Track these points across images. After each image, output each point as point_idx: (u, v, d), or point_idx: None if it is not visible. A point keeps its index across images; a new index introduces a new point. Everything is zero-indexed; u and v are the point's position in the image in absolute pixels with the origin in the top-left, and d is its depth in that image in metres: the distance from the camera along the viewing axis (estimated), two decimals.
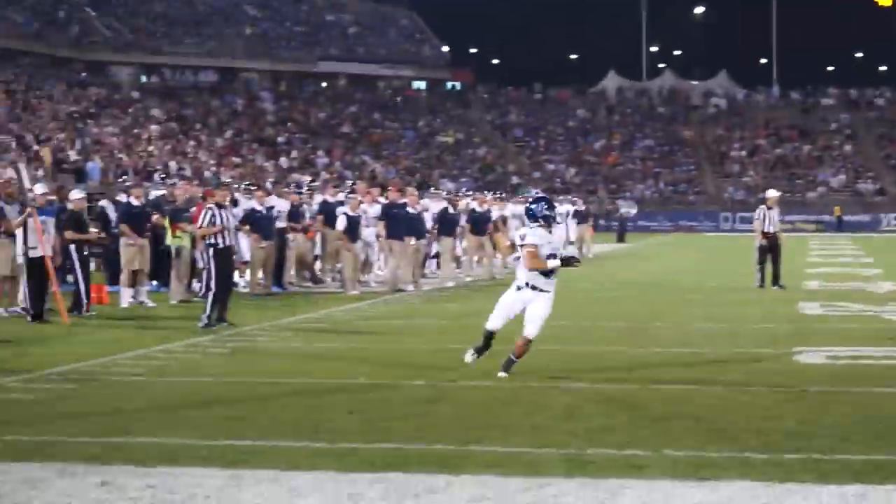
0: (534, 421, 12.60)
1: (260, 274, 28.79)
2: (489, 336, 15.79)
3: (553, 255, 15.50)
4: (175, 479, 10.01)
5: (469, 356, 15.88)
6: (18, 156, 49.51)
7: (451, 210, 33.82)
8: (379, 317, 24.00)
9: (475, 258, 36.29)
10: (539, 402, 13.73)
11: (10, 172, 27.20)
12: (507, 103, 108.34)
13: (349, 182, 46.45)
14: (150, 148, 68.70)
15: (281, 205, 30.60)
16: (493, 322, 15.78)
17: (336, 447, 11.28)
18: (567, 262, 15.87)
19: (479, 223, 34.62)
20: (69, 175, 54.62)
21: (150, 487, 9.71)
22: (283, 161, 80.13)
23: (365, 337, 20.16)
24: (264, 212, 28.68)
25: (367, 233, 31.13)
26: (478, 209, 35.69)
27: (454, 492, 9.59)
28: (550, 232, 15.79)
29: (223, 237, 21.89)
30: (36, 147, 58.68)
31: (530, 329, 15.42)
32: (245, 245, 28.46)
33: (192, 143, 75.53)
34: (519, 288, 15.67)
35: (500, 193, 49.21)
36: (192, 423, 12.52)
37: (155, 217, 27.24)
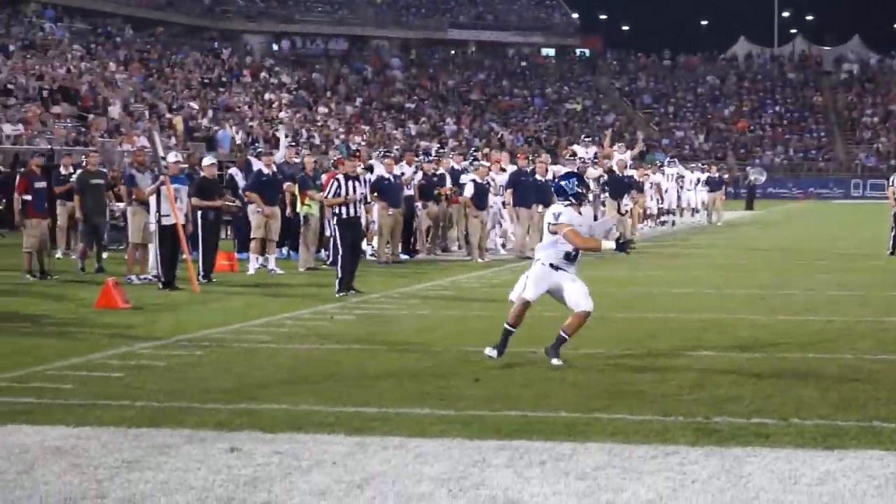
0: (661, 390, 12.50)
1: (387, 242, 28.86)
2: (524, 309, 14.37)
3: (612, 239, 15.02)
4: (301, 445, 10.05)
5: (490, 351, 14.28)
6: (152, 124, 50.08)
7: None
8: (505, 284, 23.91)
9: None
10: (666, 371, 13.63)
11: (144, 141, 27.53)
12: (636, 70, 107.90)
13: (473, 150, 46.20)
14: (281, 115, 69.13)
15: (408, 172, 30.63)
16: (530, 292, 14.36)
17: (462, 414, 11.27)
18: (622, 247, 14.85)
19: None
20: (200, 143, 55.14)
21: (277, 454, 9.76)
22: (412, 128, 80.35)
23: (491, 305, 20.10)
24: (392, 180, 28.70)
25: (494, 200, 31.17)
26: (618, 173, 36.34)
27: (580, 459, 9.53)
28: (581, 213, 14.46)
29: (348, 208, 21.96)
30: (168, 115, 59.30)
31: (585, 302, 14.20)
32: (373, 213, 28.58)
33: (322, 110, 75.96)
34: (544, 265, 14.40)
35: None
36: (319, 390, 12.57)
37: (286, 185, 27.37)
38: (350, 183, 22.10)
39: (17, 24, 63.53)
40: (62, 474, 9.08)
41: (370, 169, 28.90)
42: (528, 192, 30.33)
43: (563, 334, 14.22)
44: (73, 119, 52.68)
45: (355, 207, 22.38)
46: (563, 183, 14.74)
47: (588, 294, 14.20)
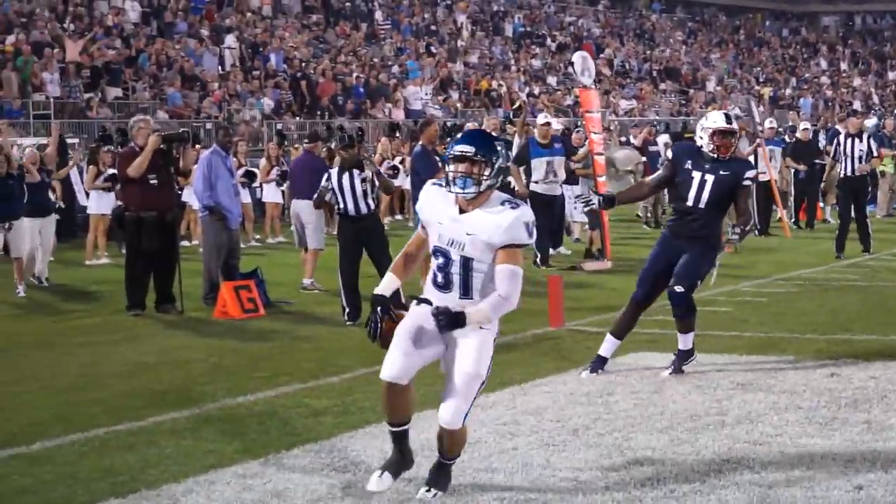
0: None
1: None
2: None
3: None
4: (894, 372, 9.56)
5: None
6: (751, 94, 49.68)
7: None
8: None
9: None
10: None
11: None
12: None
13: None
14: (856, 82, 66.66)
15: None
16: None
17: None
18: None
19: None
20: (783, 110, 54.13)
21: (873, 378, 9.34)
22: None
23: None
24: None
25: None
26: None
27: None
28: None
29: None
30: (756, 87, 58.53)
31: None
32: None
33: (891, 76, 72.48)
34: None
35: None
36: None
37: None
38: None
39: (630, 16, 64.52)
40: (687, 394, 9.04)
41: None
42: None
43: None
44: (677, 94, 53.01)
45: None
46: None
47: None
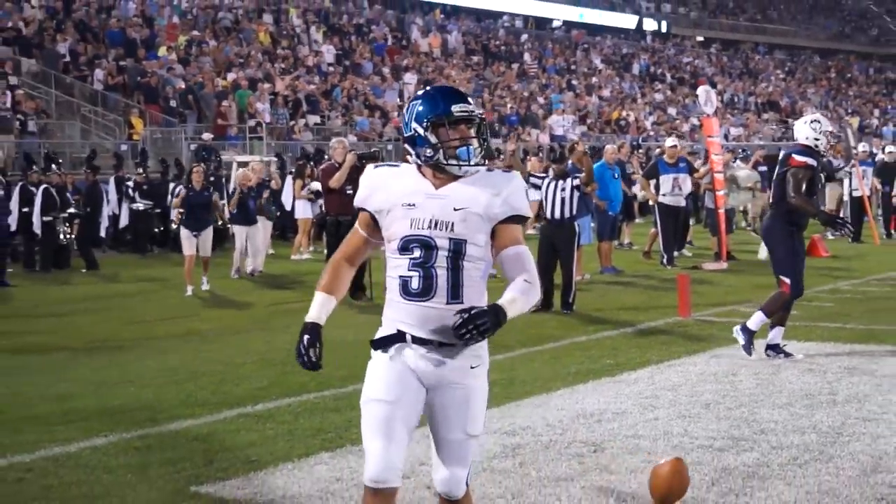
0: None
1: None
2: None
3: None
4: None
5: None
6: (837, 123, 48.28)
7: None
8: None
9: None
10: None
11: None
12: None
13: None
14: None
15: None
16: None
17: None
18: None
19: None
20: (869, 137, 52.51)
21: None
22: None
23: None
24: None
25: None
26: None
27: None
28: None
29: None
30: (846, 117, 56.88)
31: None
32: None
33: None
34: None
35: None
36: None
37: None
38: None
39: (738, 57, 63.24)
40: (801, 375, 8.74)
41: None
42: None
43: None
44: (777, 123, 51.81)
45: None
46: None
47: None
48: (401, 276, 4.03)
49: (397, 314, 4.05)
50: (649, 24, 61.19)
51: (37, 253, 19.31)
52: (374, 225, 4.19)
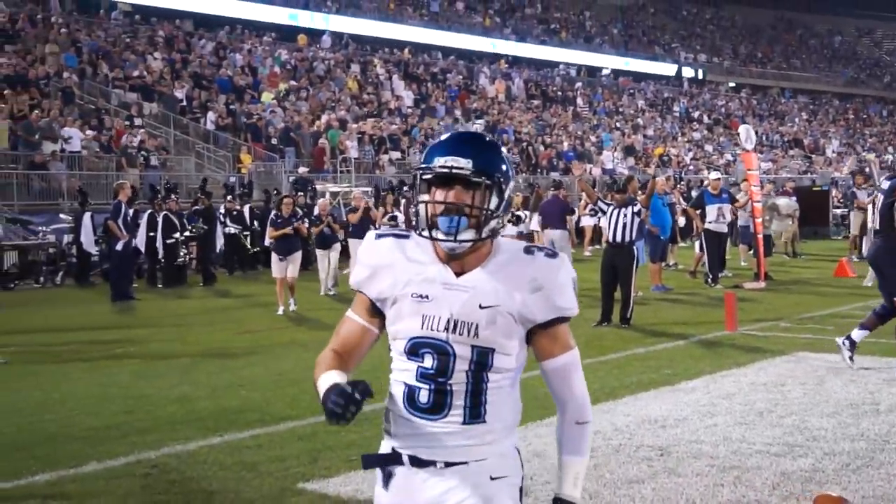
0: None
1: None
2: None
3: None
4: None
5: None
6: (858, 160, 47.23)
7: None
8: None
9: None
10: None
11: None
12: None
13: None
14: None
15: None
16: None
17: None
18: None
19: None
20: (884, 172, 51.32)
21: None
22: None
23: None
24: None
25: None
26: None
27: None
28: None
29: None
30: (863, 154, 55.59)
31: None
32: None
33: None
34: None
35: None
36: None
37: None
38: None
39: (765, 100, 62.29)
40: (845, 386, 8.34)
41: None
42: None
43: None
44: (802, 158, 50.91)
45: None
46: None
47: None
48: (406, 384, 2.67)
49: (397, 428, 2.69)
50: (687, 72, 60.59)
51: (159, 270, 19.40)
52: (374, 311, 2.73)
